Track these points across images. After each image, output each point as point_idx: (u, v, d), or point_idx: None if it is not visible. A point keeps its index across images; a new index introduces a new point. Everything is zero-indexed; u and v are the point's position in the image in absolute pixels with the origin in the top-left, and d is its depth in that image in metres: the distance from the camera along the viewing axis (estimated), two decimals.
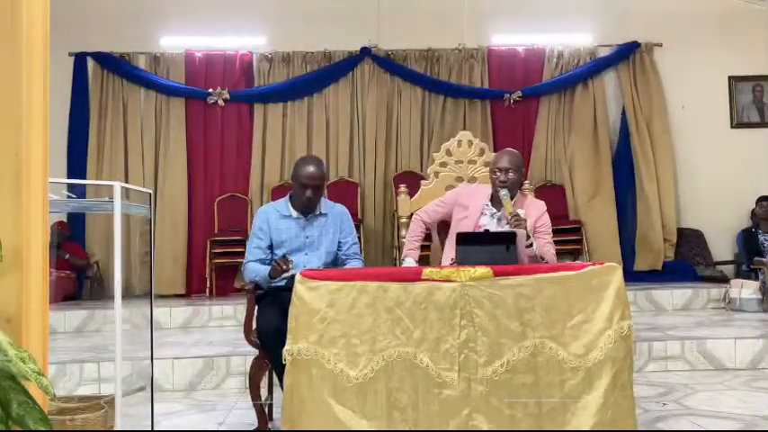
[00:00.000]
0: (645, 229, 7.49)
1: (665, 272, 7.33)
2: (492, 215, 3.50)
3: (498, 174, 3.43)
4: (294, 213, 3.43)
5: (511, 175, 3.41)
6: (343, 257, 3.50)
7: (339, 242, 3.48)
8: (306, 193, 3.36)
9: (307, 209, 3.42)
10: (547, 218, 3.54)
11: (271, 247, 3.42)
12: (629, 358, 2.58)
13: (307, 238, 3.42)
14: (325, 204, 3.51)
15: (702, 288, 6.48)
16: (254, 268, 3.36)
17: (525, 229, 3.28)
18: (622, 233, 7.52)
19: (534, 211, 3.51)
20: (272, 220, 3.44)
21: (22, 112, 1.65)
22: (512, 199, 3.39)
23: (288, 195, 3.51)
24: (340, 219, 3.51)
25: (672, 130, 7.69)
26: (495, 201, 3.49)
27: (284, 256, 3.24)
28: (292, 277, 2.79)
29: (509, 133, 7.67)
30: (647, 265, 7.41)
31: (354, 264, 3.47)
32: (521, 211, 3.38)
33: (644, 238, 7.49)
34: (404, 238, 3.75)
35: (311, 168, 3.35)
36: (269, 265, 3.37)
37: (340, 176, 7.52)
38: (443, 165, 3.91)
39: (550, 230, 3.53)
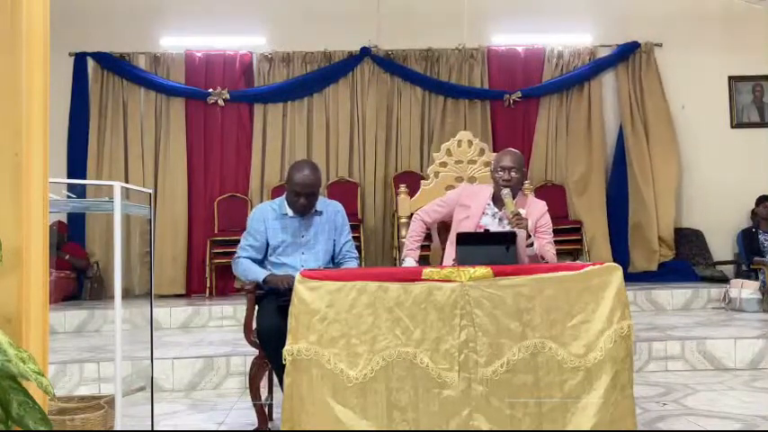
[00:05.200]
0: (639, 229, 7.51)
1: (665, 272, 7.32)
2: (494, 215, 3.50)
3: (501, 173, 3.43)
4: (290, 213, 3.43)
5: (513, 174, 3.42)
6: (339, 258, 3.50)
7: (334, 240, 3.49)
8: (299, 201, 3.37)
9: (301, 214, 3.42)
10: (548, 218, 3.54)
11: (266, 247, 3.42)
12: (629, 358, 2.59)
13: (303, 237, 3.43)
14: (321, 202, 3.50)
15: (702, 288, 6.47)
16: (249, 267, 3.36)
17: (526, 228, 3.28)
18: (618, 234, 7.53)
19: (535, 210, 3.51)
20: (268, 219, 3.44)
21: (22, 112, 1.65)
22: (513, 198, 3.39)
23: (285, 194, 3.51)
24: (335, 216, 3.51)
25: (673, 131, 7.70)
26: (497, 200, 3.50)
27: (290, 279, 3.21)
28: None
29: (509, 133, 7.67)
30: (641, 266, 7.41)
31: (349, 264, 3.47)
32: (522, 211, 3.38)
33: (638, 238, 7.51)
34: (404, 238, 3.75)
35: (304, 176, 3.35)
36: (260, 263, 3.39)
37: (340, 176, 7.51)
38: (443, 165, 3.91)
39: (551, 230, 3.54)
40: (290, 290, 3.12)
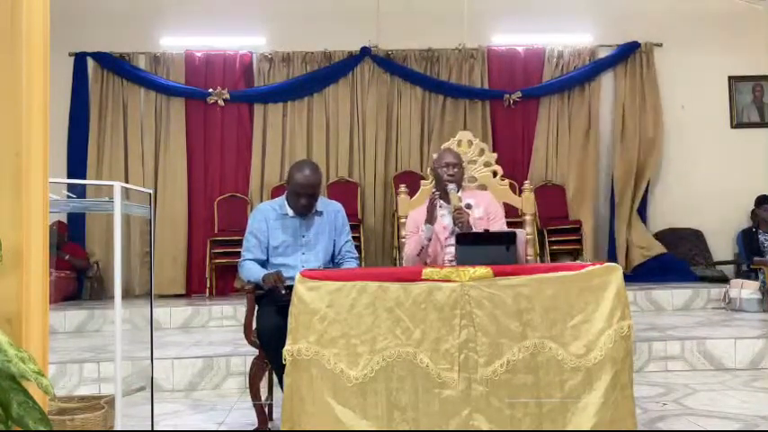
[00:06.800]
0: (619, 231, 7.55)
1: (664, 271, 7.31)
2: (449, 212, 3.50)
3: (446, 168, 3.52)
4: (291, 213, 3.43)
5: (456, 169, 3.53)
6: (339, 258, 3.50)
7: (334, 240, 3.49)
8: (300, 201, 3.37)
9: (302, 214, 3.42)
10: (497, 204, 3.61)
11: (267, 247, 3.42)
12: (629, 358, 2.58)
13: (303, 237, 3.42)
14: (321, 202, 3.50)
15: (702, 288, 6.47)
16: (251, 268, 3.36)
17: (467, 222, 3.31)
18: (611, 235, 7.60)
19: (483, 200, 3.58)
20: (269, 219, 3.44)
21: (22, 112, 1.65)
22: (458, 192, 3.45)
23: (285, 194, 3.50)
24: (335, 216, 3.51)
25: (668, 131, 7.71)
26: (443, 196, 3.50)
27: (279, 275, 3.23)
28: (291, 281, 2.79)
29: (509, 133, 7.69)
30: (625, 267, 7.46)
31: (349, 264, 3.47)
32: (471, 201, 3.46)
33: (621, 240, 7.55)
34: (403, 238, 3.74)
35: (305, 177, 3.35)
36: (264, 265, 3.39)
37: (340, 176, 7.52)
38: None
39: (503, 216, 3.58)
40: (274, 289, 3.14)
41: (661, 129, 7.67)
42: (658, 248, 7.45)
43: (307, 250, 3.41)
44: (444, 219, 3.48)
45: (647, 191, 7.69)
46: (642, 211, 7.65)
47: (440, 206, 3.46)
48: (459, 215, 3.33)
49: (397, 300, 2.59)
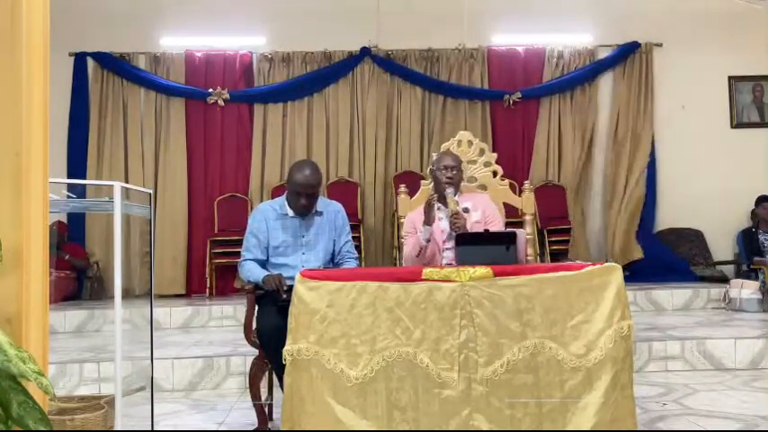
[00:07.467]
0: (608, 233, 7.56)
1: (664, 271, 7.30)
2: (446, 216, 3.50)
3: (444, 171, 3.51)
4: (291, 213, 3.43)
5: (455, 172, 3.52)
6: (339, 258, 3.50)
7: (334, 240, 3.49)
8: (300, 201, 3.37)
9: (302, 214, 3.42)
10: (493, 206, 3.61)
11: (267, 247, 3.42)
12: (629, 358, 2.58)
13: (303, 237, 3.42)
14: (321, 202, 3.50)
15: (702, 288, 6.47)
16: (251, 268, 3.36)
17: (464, 227, 3.31)
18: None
19: (481, 203, 3.58)
20: (269, 219, 3.44)
21: (22, 112, 1.65)
22: (455, 195, 3.45)
23: (285, 194, 3.51)
24: (335, 216, 3.51)
25: (668, 131, 7.70)
26: (441, 199, 3.51)
27: (280, 278, 3.22)
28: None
29: (509, 133, 7.69)
30: None
31: (349, 264, 3.47)
32: (468, 204, 3.46)
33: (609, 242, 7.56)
34: (403, 238, 3.74)
35: (305, 177, 3.35)
36: (264, 265, 3.39)
37: (340, 176, 7.52)
38: None
39: (499, 218, 3.58)
40: (277, 290, 3.15)
41: (661, 129, 7.67)
42: (636, 254, 7.43)
43: (307, 250, 3.41)
44: (442, 222, 3.48)
45: (647, 190, 7.69)
46: (644, 212, 7.63)
47: (438, 208, 3.46)
48: (456, 219, 3.32)
49: (397, 300, 2.59)
